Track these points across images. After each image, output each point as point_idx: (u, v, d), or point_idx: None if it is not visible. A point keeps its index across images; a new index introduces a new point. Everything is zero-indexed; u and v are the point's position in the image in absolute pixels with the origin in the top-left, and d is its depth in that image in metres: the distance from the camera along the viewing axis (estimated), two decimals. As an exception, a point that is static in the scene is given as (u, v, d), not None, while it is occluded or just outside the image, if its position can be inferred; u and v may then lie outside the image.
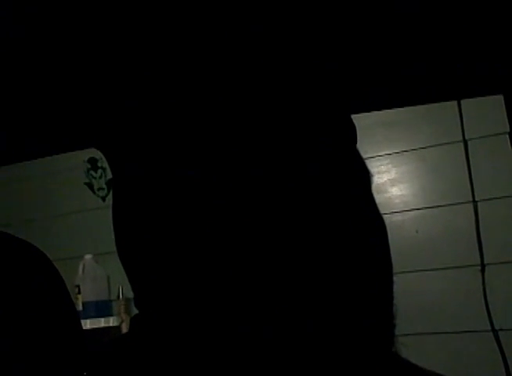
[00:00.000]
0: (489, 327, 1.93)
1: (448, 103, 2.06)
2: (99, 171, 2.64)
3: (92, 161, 2.64)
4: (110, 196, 2.15)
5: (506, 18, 0.85)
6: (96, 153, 2.52)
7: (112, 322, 2.28)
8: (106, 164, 2.53)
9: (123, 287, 2.37)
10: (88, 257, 2.44)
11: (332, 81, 0.53)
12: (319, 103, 0.50)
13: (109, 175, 2.59)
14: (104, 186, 2.63)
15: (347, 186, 0.49)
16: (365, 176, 0.53)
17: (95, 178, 2.65)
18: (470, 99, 2.02)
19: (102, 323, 2.26)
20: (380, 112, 1.84)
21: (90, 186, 2.65)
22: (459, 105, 2.06)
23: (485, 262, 1.98)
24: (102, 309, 2.38)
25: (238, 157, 0.46)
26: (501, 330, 1.92)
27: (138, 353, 0.52)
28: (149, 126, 0.49)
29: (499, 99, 1.96)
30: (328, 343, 0.45)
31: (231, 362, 0.45)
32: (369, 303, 0.47)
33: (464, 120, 2.06)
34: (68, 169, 2.64)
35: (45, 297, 0.74)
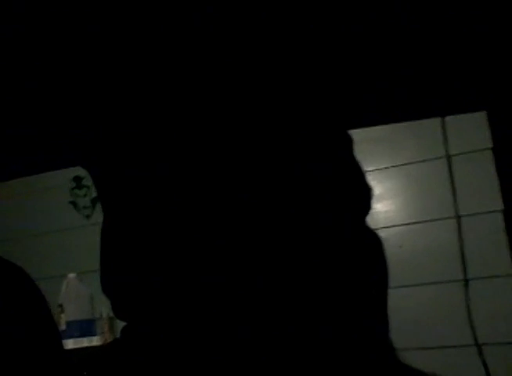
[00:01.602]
0: (473, 342, 1.93)
1: (431, 119, 2.08)
2: (84, 189, 2.63)
3: (77, 180, 2.63)
4: (95, 214, 2.12)
5: (489, 36, 0.86)
6: (81, 172, 2.51)
7: (96, 341, 2.26)
8: (90, 183, 2.52)
9: (107, 306, 2.34)
10: (71, 276, 2.42)
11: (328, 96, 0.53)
12: (317, 116, 0.51)
13: (94, 194, 2.57)
14: (89, 204, 2.61)
15: (348, 194, 0.50)
16: (365, 188, 0.54)
17: (79, 196, 2.64)
18: (454, 115, 2.04)
19: (85, 342, 2.24)
20: (365, 128, 1.85)
21: (74, 204, 2.64)
22: (443, 121, 2.07)
23: (469, 276, 1.99)
24: (85, 328, 2.35)
25: (229, 168, 0.46)
26: (484, 344, 1.92)
27: (135, 355, 0.52)
28: (136, 144, 0.49)
29: (482, 115, 1.98)
30: (330, 347, 0.45)
31: (228, 366, 0.45)
32: (368, 308, 0.48)
33: (448, 136, 2.08)
34: (52, 187, 2.63)
35: (25, 317, 0.73)
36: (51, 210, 2.65)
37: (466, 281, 1.99)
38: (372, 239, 0.52)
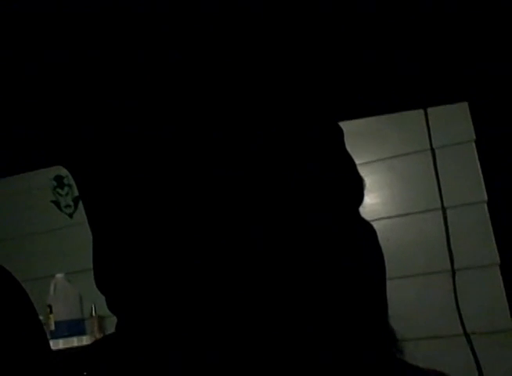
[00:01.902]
0: (462, 332, 1.95)
1: (414, 112, 2.09)
2: (66, 188, 2.62)
3: (58, 179, 2.62)
4: (78, 213, 2.11)
5: (470, 28, 0.87)
6: (62, 171, 2.50)
7: (85, 341, 2.25)
8: (72, 182, 2.51)
9: (96, 305, 2.34)
10: (59, 276, 2.41)
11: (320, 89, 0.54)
12: (309, 109, 0.51)
13: (76, 193, 2.57)
14: (71, 203, 2.61)
15: (341, 192, 0.50)
16: (357, 179, 0.54)
17: (61, 195, 2.63)
18: (437, 108, 2.05)
19: (75, 342, 2.23)
20: (348, 122, 1.86)
21: (57, 203, 2.63)
22: (426, 114, 2.08)
23: (456, 267, 2.01)
24: (75, 327, 2.34)
25: (222, 164, 0.46)
26: (473, 333, 1.94)
27: (133, 353, 0.52)
28: (118, 141, 0.49)
29: (465, 107, 1.99)
30: (328, 346, 0.45)
31: (227, 365, 0.45)
32: (366, 306, 0.48)
33: (431, 129, 2.09)
34: (34, 188, 2.62)
35: (10, 319, 0.73)
36: (34, 210, 2.64)
37: (454, 272, 2.00)
38: (367, 229, 0.53)
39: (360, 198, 0.54)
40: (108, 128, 0.50)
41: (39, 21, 0.63)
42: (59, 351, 2.11)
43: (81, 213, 2.48)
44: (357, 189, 0.54)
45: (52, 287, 2.38)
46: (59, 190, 2.63)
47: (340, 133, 0.55)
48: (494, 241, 1.96)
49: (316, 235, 0.46)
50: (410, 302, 1.99)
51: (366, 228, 0.53)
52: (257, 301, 0.44)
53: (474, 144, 2.01)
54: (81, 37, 0.54)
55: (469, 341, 1.93)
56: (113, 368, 0.54)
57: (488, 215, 1.99)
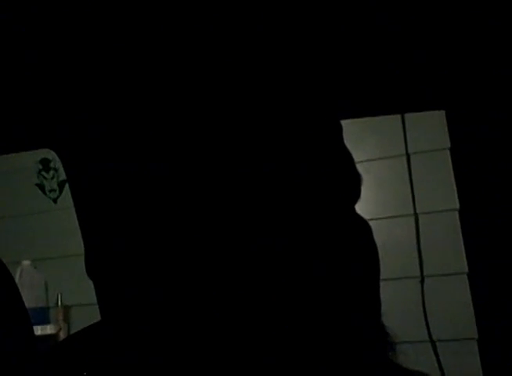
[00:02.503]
0: (428, 338, 1.96)
1: (392, 117, 2.10)
2: (51, 172, 2.58)
3: (45, 162, 2.58)
4: (62, 198, 2.08)
5: (449, 34, 0.87)
6: (49, 154, 2.47)
7: (49, 330, 2.23)
8: (58, 165, 2.47)
9: (62, 294, 2.31)
10: (25, 262, 2.38)
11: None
12: (307, 107, 0.51)
13: (62, 177, 2.53)
14: (56, 187, 2.57)
15: (337, 190, 0.50)
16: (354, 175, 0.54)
17: (46, 179, 2.59)
18: (414, 115, 2.06)
19: (39, 330, 2.20)
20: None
21: (41, 187, 2.59)
22: (403, 120, 2.10)
23: (425, 274, 2.02)
24: (39, 316, 2.32)
25: (216, 152, 0.46)
26: (439, 340, 1.96)
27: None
28: (110, 126, 0.49)
29: (442, 115, 2.00)
30: (323, 346, 0.45)
31: (226, 365, 0.45)
32: (360, 307, 0.48)
33: (407, 134, 2.10)
34: (17, 170, 2.58)
35: None
36: (16, 192, 2.60)
37: (423, 278, 2.02)
38: (363, 226, 0.53)
39: (357, 194, 0.54)
40: (101, 113, 0.50)
41: (40, 19, 0.63)
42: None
43: (65, 199, 2.45)
44: (355, 185, 0.54)
45: (18, 274, 2.35)
46: (45, 174, 2.59)
47: (338, 129, 0.55)
48: (463, 250, 1.98)
49: (313, 232, 0.46)
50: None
51: (362, 224, 0.53)
52: (255, 301, 0.44)
53: (448, 152, 2.03)
54: (80, 36, 0.54)
55: (434, 348, 1.95)
56: (113, 368, 0.54)
57: (459, 223, 2.00)
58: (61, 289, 2.32)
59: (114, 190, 0.48)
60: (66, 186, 2.31)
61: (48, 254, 2.35)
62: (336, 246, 0.47)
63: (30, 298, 2.33)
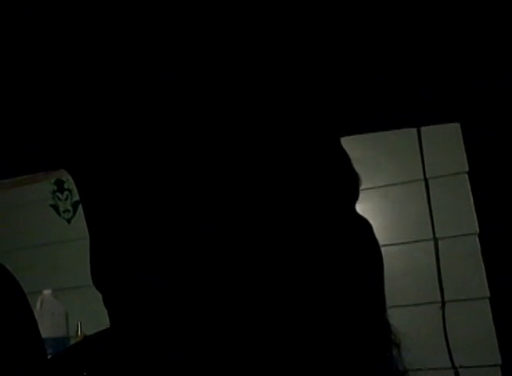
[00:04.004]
0: (450, 365, 1.94)
1: (409, 142, 2.10)
2: (66, 193, 2.61)
3: (59, 183, 2.61)
4: (75, 219, 2.08)
5: (463, 46, 0.87)
6: (63, 175, 2.50)
7: (69, 359, 2.22)
8: (72, 186, 2.50)
9: (81, 323, 2.31)
10: (46, 292, 2.39)
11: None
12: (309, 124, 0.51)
13: (75, 197, 2.56)
14: (70, 207, 2.60)
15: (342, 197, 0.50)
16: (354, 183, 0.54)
17: (60, 200, 2.62)
18: (431, 139, 2.06)
19: (59, 360, 2.20)
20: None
21: (55, 207, 2.62)
22: (420, 144, 2.09)
23: (446, 299, 2.00)
24: (59, 345, 2.32)
25: (222, 160, 0.46)
26: (461, 367, 1.93)
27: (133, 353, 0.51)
28: (121, 144, 0.49)
29: (459, 138, 2.00)
30: (324, 343, 0.45)
31: (226, 365, 0.44)
32: (365, 308, 0.48)
33: (425, 159, 2.10)
34: (34, 200, 2.61)
35: (5, 312, 0.72)
36: (32, 219, 2.63)
37: (443, 303, 2.00)
38: (364, 225, 0.53)
39: (356, 194, 0.54)
40: (109, 131, 0.50)
41: (40, 21, 0.63)
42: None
43: (79, 220, 2.48)
44: (353, 185, 0.54)
45: (38, 304, 2.35)
46: (59, 195, 2.63)
47: (336, 130, 0.55)
48: (484, 274, 1.96)
49: (314, 231, 0.46)
50: (399, 332, 1.98)
51: (363, 223, 0.53)
52: (256, 300, 0.44)
53: (466, 175, 2.02)
54: (81, 41, 0.54)
55: (457, 375, 1.92)
56: (113, 368, 0.54)
57: (479, 247, 1.99)
58: (81, 318, 2.33)
59: (121, 206, 0.49)
60: (80, 207, 2.34)
61: (69, 284, 2.36)
62: (337, 244, 0.47)
63: (50, 328, 2.33)
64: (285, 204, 0.46)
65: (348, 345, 0.46)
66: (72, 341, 2.38)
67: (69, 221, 2.58)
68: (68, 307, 2.40)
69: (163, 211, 0.47)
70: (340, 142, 0.56)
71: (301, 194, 0.47)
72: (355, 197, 0.54)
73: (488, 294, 1.95)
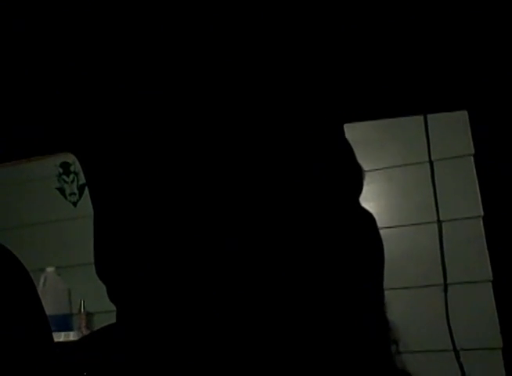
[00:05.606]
0: (451, 347, 1.94)
1: (414, 124, 2.08)
2: (72, 175, 2.61)
3: (65, 166, 2.61)
4: (81, 202, 2.09)
5: (471, 34, 0.86)
6: (69, 157, 2.50)
7: (72, 336, 2.24)
8: (78, 169, 2.50)
9: (84, 301, 2.33)
10: (49, 270, 2.40)
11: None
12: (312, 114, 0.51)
13: (82, 180, 2.56)
14: (76, 190, 2.59)
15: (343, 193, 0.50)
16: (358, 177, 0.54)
17: (67, 182, 2.62)
18: (437, 121, 2.05)
19: (62, 337, 2.21)
20: (347, 130, 1.85)
21: (61, 191, 2.62)
22: (426, 126, 2.08)
23: (448, 281, 2.00)
24: (62, 323, 2.33)
25: (228, 156, 0.46)
26: (462, 349, 1.93)
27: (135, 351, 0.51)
28: (129, 128, 0.49)
29: (465, 121, 1.99)
30: (325, 345, 0.44)
31: (226, 364, 0.44)
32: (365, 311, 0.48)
33: (430, 141, 2.09)
34: (38, 177, 2.61)
35: (12, 298, 0.72)
36: (37, 198, 2.63)
37: (446, 286, 2.00)
38: (367, 218, 0.53)
39: (360, 187, 0.54)
40: (117, 116, 0.50)
41: (45, 19, 0.63)
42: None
43: (84, 203, 2.48)
44: (356, 178, 0.54)
45: (41, 281, 2.36)
46: (65, 177, 2.62)
47: (340, 123, 0.55)
48: (488, 257, 1.96)
49: (316, 229, 0.46)
50: (400, 314, 1.98)
51: (366, 217, 0.53)
52: (257, 297, 0.44)
53: (472, 158, 2.01)
54: (84, 35, 0.54)
55: (457, 357, 1.92)
56: (113, 368, 0.54)
57: (483, 230, 1.98)
58: (84, 296, 2.34)
59: (127, 192, 0.49)
60: (86, 190, 2.34)
61: (72, 262, 2.37)
62: (340, 238, 0.47)
63: (53, 305, 2.34)
64: (287, 200, 0.46)
65: (348, 344, 0.46)
66: (75, 319, 2.39)
67: (75, 204, 2.58)
68: (71, 284, 2.41)
69: (166, 209, 0.47)
70: (343, 133, 0.55)
71: (303, 190, 0.46)
72: (359, 191, 0.54)
73: (491, 277, 1.95)
